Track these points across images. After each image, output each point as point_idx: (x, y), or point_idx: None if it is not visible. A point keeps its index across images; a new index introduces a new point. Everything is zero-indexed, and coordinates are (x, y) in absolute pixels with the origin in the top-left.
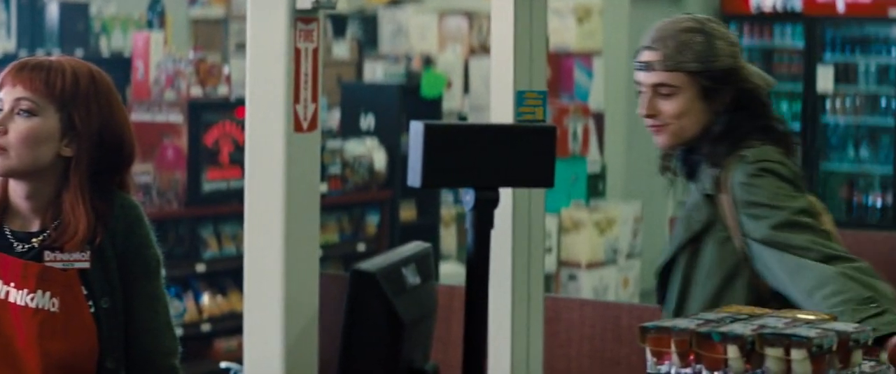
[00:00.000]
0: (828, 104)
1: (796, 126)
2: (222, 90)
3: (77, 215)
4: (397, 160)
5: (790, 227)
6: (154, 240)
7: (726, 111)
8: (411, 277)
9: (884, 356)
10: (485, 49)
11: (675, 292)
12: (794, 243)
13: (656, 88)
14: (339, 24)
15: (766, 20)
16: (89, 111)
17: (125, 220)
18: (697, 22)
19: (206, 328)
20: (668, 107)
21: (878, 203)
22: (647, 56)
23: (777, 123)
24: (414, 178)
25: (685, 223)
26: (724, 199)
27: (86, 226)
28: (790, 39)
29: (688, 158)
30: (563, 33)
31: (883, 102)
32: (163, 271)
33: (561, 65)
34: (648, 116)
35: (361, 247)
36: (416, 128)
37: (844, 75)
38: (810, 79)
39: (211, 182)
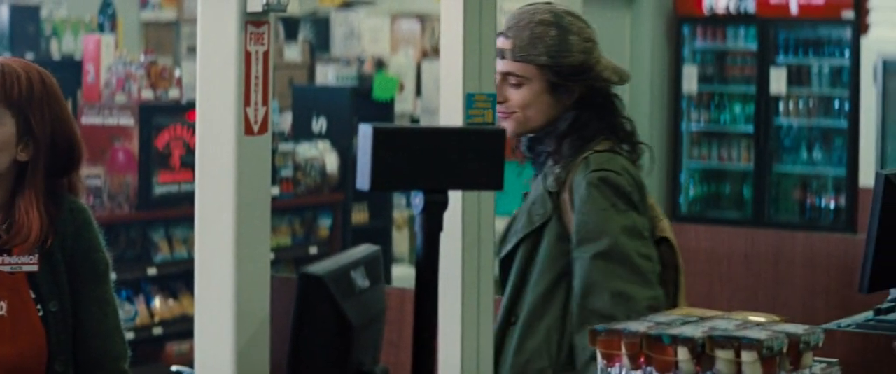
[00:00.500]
0: (781, 106)
1: (750, 128)
2: (173, 93)
3: (31, 219)
4: (349, 163)
5: (605, 258)
6: (103, 243)
7: (575, 107)
8: (360, 280)
9: None
10: (437, 52)
11: (512, 285)
12: (595, 279)
13: (506, 75)
14: (290, 27)
15: (720, 22)
16: (43, 115)
17: (74, 223)
18: (554, 15)
19: (157, 331)
20: (515, 96)
21: (832, 205)
22: (501, 43)
23: (625, 122)
24: (363, 181)
25: (527, 216)
26: (566, 198)
27: (38, 229)
28: (743, 42)
29: (534, 147)
30: None
31: (836, 104)
32: (112, 275)
33: None
34: (498, 103)
35: (314, 250)
36: (365, 131)
37: (797, 77)
38: (763, 81)
39: (162, 185)
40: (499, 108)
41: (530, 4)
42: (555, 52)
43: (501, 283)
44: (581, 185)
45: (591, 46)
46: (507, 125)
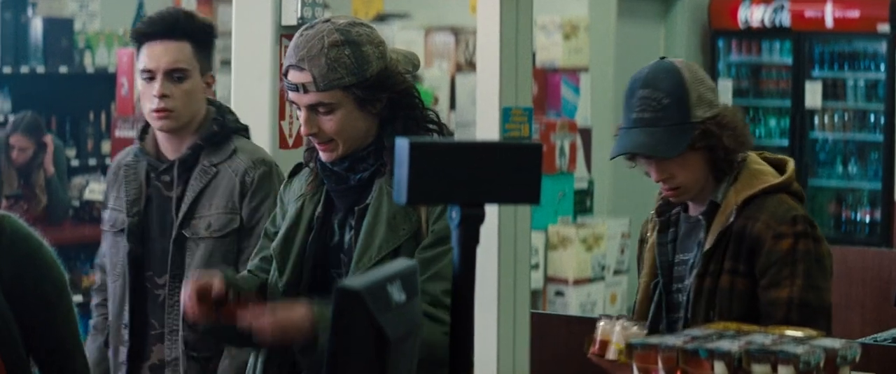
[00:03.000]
0: (816, 120)
1: (785, 142)
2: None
3: None
4: None
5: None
6: (51, 264)
7: (384, 113)
8: (397, 294)
9: None
10: (471, 65)
11: None
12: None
13: (313, 107)
14: None
15: (754, 35)
16: None
17: (12, 255)
18: (341, 32)
19: None
20: (329, 124)
21: (867, 219)
22: (298, 77)
23: (430, 113)
24: (399, 195)
25: (387, 231)
26: (423, 209)
27: None
28: (778, 55)
29: (353, 168)
30: (550, 49)
31: (871, 118)
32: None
33: (548, 81)
34: (311, 135)
35: None
36: (402, 145)
37: (833, 91)
38: (799, 95)
39: None
40: (313, 140)
41: (310, 28)
42: (355, 69)
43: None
44: None
45: (383, 49)
46: (328, 156)
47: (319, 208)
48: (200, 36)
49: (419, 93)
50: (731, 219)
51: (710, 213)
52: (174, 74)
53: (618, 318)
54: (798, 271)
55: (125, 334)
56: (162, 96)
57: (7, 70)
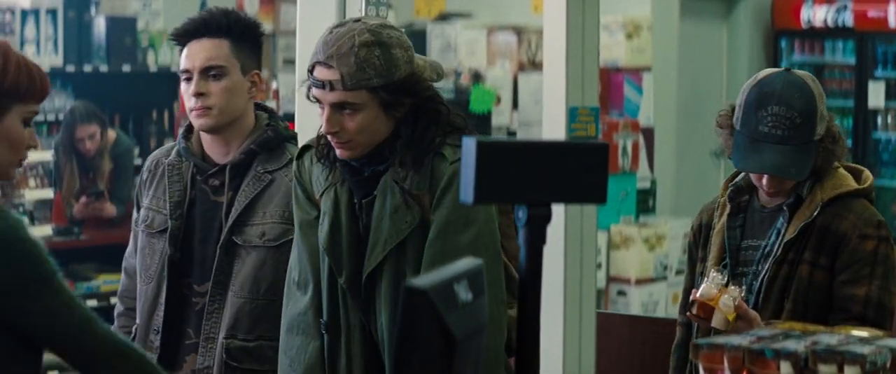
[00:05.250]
0: (879, 120)
1: (848, 142)
2: (270, 106)
3: None
4: None
5: (474, 244)
6: (37, 258)
7: (408, 118)
8: (463, 293)
9: None
10: (534, 65)
11: (389, 295)
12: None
13: (338, 106)
14: None
15: (817, 35)
16: None
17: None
18: (373, 33)
19: None
20: (351, 124)
21: None
22: (325, 74)
23: (457, 118)
24: (466, 194)
25: (391, 226)
26: (426, 198)
27: None
28: (841, 55)
29: (366, 164)
30: (613, 49)
31: None
32: (54, 281)
33: (610, 81)
34: (331, 133)
35: None
36: (469, 144)
37: None
38: (862, 95)
39: None
40: (332, 139)
41: (340, 25)
42: (384, 71)
43: (365, 298)
44: (443, 181)
45: (411, 55)
46: (344, 153)
47: (355, 197)
48: (240, 33)
49: (444, 100)
50: (816, 213)
51: (795, 205)
52: (210, 72)
53: (723, 283)
54: (877, 272)
55: (155, 340)
56: (198, 94)
57: (70, 69)
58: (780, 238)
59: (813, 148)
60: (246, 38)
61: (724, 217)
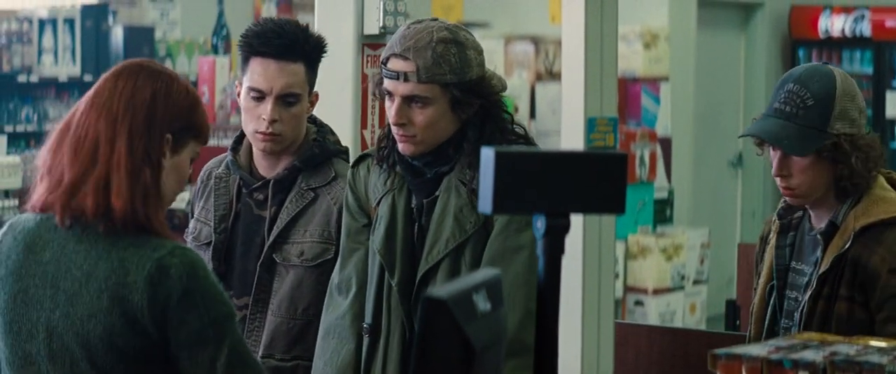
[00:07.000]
0: None
1: None
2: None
3: None
4: None
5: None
6: (213, 299)
7: (474, 120)
8: (482, 303)
9: None
10: (551, 75)
11: None
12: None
13: (410, 98)
14: None
15: (835, 45)
16: None
17: (165, 291)
18: (450, 32)
19: None
20: (420, 117)
21: None
22: (400, 65)
23: (517, 127)
24: (484, 204)
25: (455, 225)
26: None
27: None
28: (859, 65)
29: (428, 163)
30: (630, 59)
31: None
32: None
33: (628, 90)
34: (399, 125)
35: None
36: (487, 154)
37: None
38: (879, 104)
39: None
40: (397, 131)
41: (418, 22)
42: (458, 69)
43: (414, 301)
44: None
45: (483, 59)
46: (407, 148)
47: (413, 200)
48: (314, 56)
49: (509, 108)
50: (848, 245)
51: (829, 233)
52: (287, 99)
53: None
54: None
55: None
56: (272, 121)
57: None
58: (816, 269)
59: (818, 137)
60: (316, 61)
61: (776, 236)
